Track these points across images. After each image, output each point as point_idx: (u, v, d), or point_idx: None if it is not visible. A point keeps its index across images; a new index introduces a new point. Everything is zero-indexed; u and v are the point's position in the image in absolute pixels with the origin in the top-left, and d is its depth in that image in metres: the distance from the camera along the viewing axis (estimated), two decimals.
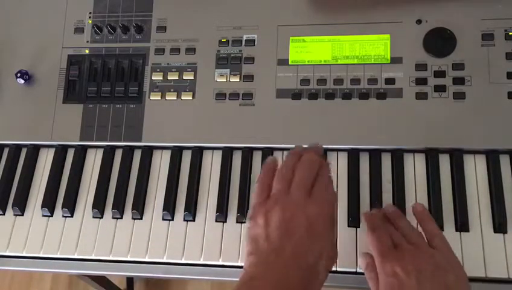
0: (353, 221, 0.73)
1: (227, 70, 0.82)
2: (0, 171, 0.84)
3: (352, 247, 0.72)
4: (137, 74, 0.84)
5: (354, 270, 0.71)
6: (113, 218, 0.78)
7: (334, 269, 0.71)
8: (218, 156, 0.80)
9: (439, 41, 0.77)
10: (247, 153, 0.79)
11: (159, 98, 0.82)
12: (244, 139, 0.79)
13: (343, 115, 0.77)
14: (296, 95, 0.79)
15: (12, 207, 0.80)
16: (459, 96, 0.75)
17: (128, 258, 0.76)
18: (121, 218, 0.78)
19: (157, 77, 0.83)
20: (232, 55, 0.82)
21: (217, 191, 0.78)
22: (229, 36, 0.83)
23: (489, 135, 0.74)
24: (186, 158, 0.81)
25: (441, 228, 0.71)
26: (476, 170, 0.75)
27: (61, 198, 0.80)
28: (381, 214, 0.69)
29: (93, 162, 0.83)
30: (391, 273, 0.60)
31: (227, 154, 0.80)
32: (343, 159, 0.78)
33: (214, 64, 0.82)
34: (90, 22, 0.87)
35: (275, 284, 0.56)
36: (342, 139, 0.77)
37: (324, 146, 0.77)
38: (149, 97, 0.82)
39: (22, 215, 0.81)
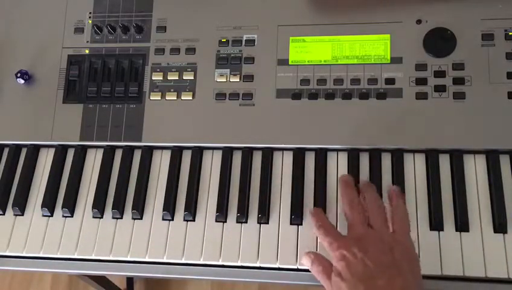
0: None
1: (227, 70, 0.82)
2: (0, 171, 0.84)
3: None
4: (137, 74, 0.84)
5: None
6: (113, 218, 0.78)
7: None
8: (218, 156, 0.80)
9: (439, 42, 0.77)
10: (247, 153, 0.79)
11: (159, 98, 0.82)
12: (244, 139, 0.79)
13: (343, 115, 0.77)
14: (296, 95, 0.79)
15: (12, 207, 0.80)
16: (459, 96, 0.75)
17: (128, 258, 0.76)
18: (121, 218, 0.78)
19: (157, 77, 0.83)
20: (232, 55, 0.82)
21: (217, 191, 0.77)
22: (229, 36, 0.83)
23: (489, 135, 0.74)
24: (186, 158, 0.81)
25: (441, 228, 0.71)
26: (476, 170, 0.75)
27: (61, 198, 0.80)
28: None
29: (93, 162, 0.83)
30: (340, 257, 0.65)
31: (227, 154, 0.80)
32: (343, 159, 0.78)
33: (214, 64, 0.82)
34: (90, 22, 0.87)
35: None
36: (342, 139, 0.77)
37: (324, 146, 0.77)
38: (149, 97, 0.82)
39: (22, 215, 0.81)
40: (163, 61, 0.84)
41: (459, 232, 0.71)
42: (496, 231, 0.71)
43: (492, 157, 0.74)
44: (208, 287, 1.54)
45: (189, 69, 0.83)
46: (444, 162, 0.75)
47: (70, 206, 0.79)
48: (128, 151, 0.82)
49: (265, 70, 0.81)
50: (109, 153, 0.82)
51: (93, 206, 0.79)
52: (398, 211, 0.70)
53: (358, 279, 0.61)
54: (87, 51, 0.86)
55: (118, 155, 0.83)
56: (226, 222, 0.76)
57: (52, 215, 0.80)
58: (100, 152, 0.83)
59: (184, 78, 0.82)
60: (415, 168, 0.76)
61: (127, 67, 0.84)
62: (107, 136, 0.82)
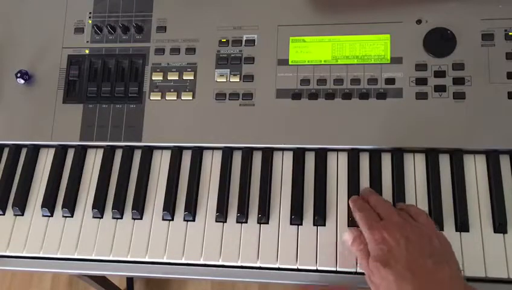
0: (354, 221, 0.72)
1: (227, 70, 0.82)
2: (0, 171, 0.84)
3: None
4: (137, 74, 0.84)
5: (354, 270, 0.70)
6: (113, 218, 0.78)
7: (334, 269, 0.71)
8: (218, 156, 0.80)
9: (439, 42, 0.77)
10: (247, 153, 0.79)
11: (159, 98, 0.82)
12: (244, 139, 0.79)
13: (343, 115, 0.77)
14: (296, 95, 0.79)
15: (12, 207, 0.80)
16: (459, 96, 0.75)
17: (128, 258, 0.76)
18: (121, 218, 0.78)
19: (157, 77, 0.83)
20: (232, 55, 0.82)
21: (217, 191, 0.77)
22: (229, 36, 0.83)
23: (489, 135, 0.74)
24: (186, 158, 0.81)
25: (441, 228, 0.71)
26: (476, 170, 0.75)
27: (61, 198, 0.80)
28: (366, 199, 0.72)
29: (93, 162, 0.83)
30: (380, 240, 0.61)
31: (227, 154, 0.80)
32: (343, 159, 0.78)
33: (214, 64, 0.82)
34: (90, 22, 0.87)
35: None
36: (342, 139, 0.77)
37: (324, 146, 0.77)
38: (149, 97, 0.82)
39: (22, 215, 0.81)
40: (163, 61, 0.84)
41: (459, 232, 0.71)
42: (496, 231, 0.71)
43: (492, 157, 0.74)
44: (208, 287, 1.54)
45: (189, 69, 0.83)
46: (444, 162, 0.75)
47: (70, 206, 0.79)
48: (128, 151, 0.82)
49: (265, 70, 0.81)
50: (109, 153, 0.82)
51: (93, 206, 0.79)
52: (414, 208, 0.69)
53: (403, 266, 0.58)
54: (87, 51, 0.86)
55: (118, 155, 0.83)
56: (226, 222, 0.76)
57: (52, 216, 0.80)
58: (100, 152, 0.83)
59: (184, 78, 0.82)
60: (415, 168, 0.76)
61: (127, 67, 0.84)
62: (107, 136, 0.82)
